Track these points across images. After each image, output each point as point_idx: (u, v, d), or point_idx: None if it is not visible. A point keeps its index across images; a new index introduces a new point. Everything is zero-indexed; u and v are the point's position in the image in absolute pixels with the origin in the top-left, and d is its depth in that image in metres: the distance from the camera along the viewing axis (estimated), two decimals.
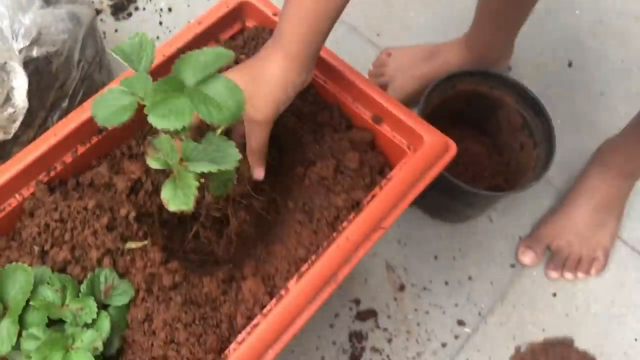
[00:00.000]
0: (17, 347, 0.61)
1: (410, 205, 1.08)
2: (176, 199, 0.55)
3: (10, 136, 0.78)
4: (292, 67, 0.67)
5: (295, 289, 0.66)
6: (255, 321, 0.65)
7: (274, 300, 0.67)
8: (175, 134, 0.56)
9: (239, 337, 0.64)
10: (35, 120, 0.86)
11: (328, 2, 0.64)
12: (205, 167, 0.55)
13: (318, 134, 0.81)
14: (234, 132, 0.73)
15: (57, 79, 0.87)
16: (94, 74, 0.96)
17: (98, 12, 1.17)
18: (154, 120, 0.51)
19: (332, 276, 0.69)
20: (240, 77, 0.65)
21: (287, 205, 0.78)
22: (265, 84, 0.67)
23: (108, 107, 0.54)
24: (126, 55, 0.56)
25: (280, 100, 0.67)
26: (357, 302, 0.99)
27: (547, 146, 0.93)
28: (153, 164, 0.57)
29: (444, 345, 0.98)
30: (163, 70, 0.76)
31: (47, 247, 0.68)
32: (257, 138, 0.69)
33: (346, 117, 0.82)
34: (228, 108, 0.53)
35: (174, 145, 0.56)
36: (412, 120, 0.76)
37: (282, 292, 0.67)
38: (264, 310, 0.66)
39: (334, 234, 0.71)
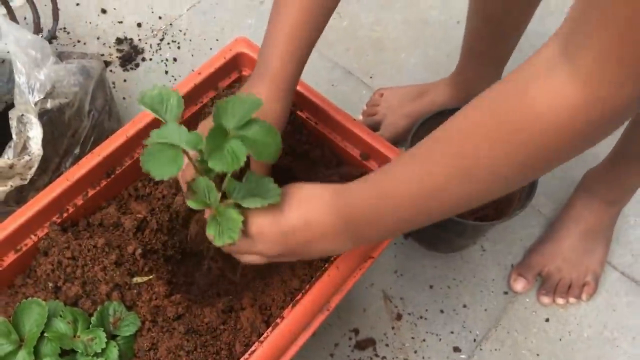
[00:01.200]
0: None
1: (406, 238, 1.13)
2: (222, 234, 0.61)
3: (26, 182, 0.85)
4: (282, 94, 0.69)
5: (290, 317, 0.71)
6: (252, 348, 0.70)
7: (270, 328, 0.72)
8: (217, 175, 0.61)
9: None
10: (50, 166, 0.93)
11: (305, 28, 0.67)
12: (255, 203, 0.60)
13: (311, 171, 0.86)
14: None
15: (69, 128, 0.94)
16: (104, 122, 1.03)
17: (107, 63, 1.25)
18: (214, 164, 0.57)
19: (325, 304, 0.74)
20: None
21: None
22: (262, 115, 0.67)
23: (158, 161, 0.57)
24: (153, 106, 0.61)
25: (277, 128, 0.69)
26: (356, 331, 1.03)
27: None
28: (193, 205, 0.61)
29: None
30: None
31: (60, 283, 0.73)
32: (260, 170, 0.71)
33: (337, 154, 0.87)
34: (271, 147, 0.60)
35: (211, 186, 0.61)
36: (396, 155, 0.82)
37: (278, 320, 0.72)
38: (261, 338, 0.71)
39: (326, 265, 0.76)
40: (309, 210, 0.61)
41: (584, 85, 0.41)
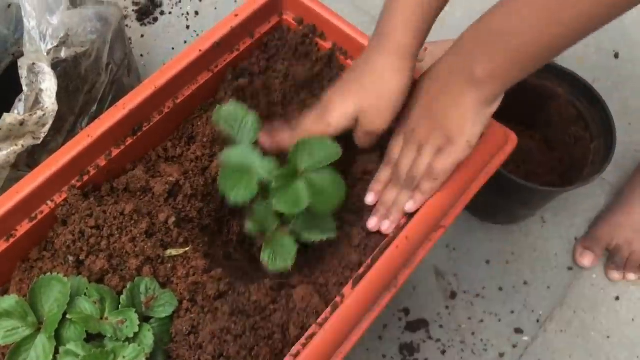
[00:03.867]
0: None
1: None
2: (276, 261, 0.63)
3: (39, 141, 0.74)
4: (406, 66, 0.62)
5: (353, 295, 0.60)
6: (310, 331, 0.60)
7: (329, 309, 0.61)
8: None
9: (294, 349, 0.59)
10: (64, 126, 0.82)
11: None
12: (314, 236, 0.65)
13: None
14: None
15: (86, 82, 0.83)
16: (123, 78, 0.92)
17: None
18: (276, 204, 0.59)
19: (392, 280, 0.63)
20: (354, 92, 0.63)
21: None
22: (381, 95, 0.62)
23: (234, 184, 0.61)
24: (228, 122, 0.64)
25: (396, 108, 0.63)
26: (406, 311, 0.93)
27: (607, 137, 0.87)
28: (251, 227, 0.64)
29: (501, 355, 0.91)
30: (201, 64, 0.73)
31: (82, 257, 0.63)
32: (365, 145, 0.67)
33: None
34: (334, 198, 0.62)
35: (270, 212, 0.63)
36: None
37: (337, 299, 0.61)
38: (319, 319, 0.61)
39: (390, 235, 0.65)
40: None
41: None
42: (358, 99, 0.62)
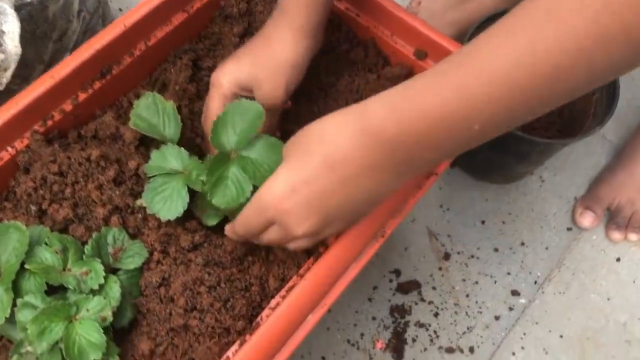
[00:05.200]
0: (11, 318, 0.51)
1: (452, 166, 0.98)
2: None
3: (2, 87, 0.69)
4: (302, 42, 0.59)
5: (337, 245, 0.56)
6: (290, 283, 0.55)
7: (311, 259, 0.57)
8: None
9: (273, 302, 0.54)
10: (32, 75, 0.77)
11: None
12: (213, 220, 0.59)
13: (352, 76, 0.70)
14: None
15: (54, 28, 0.77)
16: (97, 27, 0.87)
17: None
18: (217, 201, 0.54)
19: (379, 229, 0.59)
20: (249, 64, 0.59)
21: None
22: (275, 67, 0.59)
23: (163, 199, 0.57)
24: (149, 121, 0.61)
25: (290, 82, 0.60)
26: (397, 273, 0.89)
27: (609, 87, 0.82)
28: (212, 221, 0.60)
29: (497, 317, 0.87)
30: (175, 4, 0.67)
31: (45, 206, 0.58)
32: (266, 124, 0.60)
33: (384, 54, 0.71)
34: (275, 165, 0.53)
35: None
36: None
37: (321, 249, 0.57)
38: (301, 270, 0.56)
39: None
40: (331, 145, 0.45)
41: None
42: (251, 67, 0.59)
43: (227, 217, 0.60)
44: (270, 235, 0.51)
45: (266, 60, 0.59)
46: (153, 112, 0.62)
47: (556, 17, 0.36)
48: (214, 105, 0.60)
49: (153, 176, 0.58)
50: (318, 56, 0.67)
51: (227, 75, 0.60)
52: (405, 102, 0.42)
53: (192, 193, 0.58)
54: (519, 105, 0.40)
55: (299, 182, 0.46)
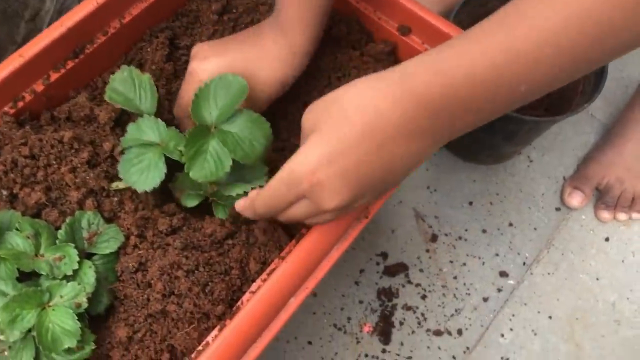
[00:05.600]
0: None
1: (439, 148, 0.96)
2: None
3: None
4: (295, 49, 0.58)
5: (319, 227, 0.54)
6: (272, 266, 0.54)
7: (293, 241, 0.55)
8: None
9: (253, 286, 0.53)
10: (4, 55, 0.74)
11: None
12: (239, 190, 0.56)
13: (334, 54, 0.68)
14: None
15: (26, 7, 0.74)
16: (72, 6, 0.84)
17: None
18: (195, 174, 0.52)
19: (363, 211, 0.57)
20: (241, 58, 0.57)
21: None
22: (266, 67, 0.58)
23: (138, 170, 0.55)
24: (125, 94, 0.59)
25: (285, 82, 0.59)
26: (384, 255, 0.87)
27: None
28: (190, 203, 0.58)
29: (485, 299, 0.86)
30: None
31: (16, 190, 0.56)
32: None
33: (366, 30, 0.69)
34: (260, 143, 0.54)
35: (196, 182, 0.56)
36: (450, 28, 0.64)
37: (303, 230, 0.55)
38: (282, 253, 0.55)
39: None
40: (372, 113, 0.43)
41: None
42: (244, 64, 0.57)
43: (207, 199, 0.59)
44: (297, 211, 0.48)
45: (258, 58, 0.58)
46: (129, 85, 0.60)
47: None
48: (190, 95, 0.58)
49: (128, 147, 0.56)
50: None
51: (209, 70, 0.58)
52: (448, 63, 0.41)
53: (170, 173, 0.57)
54: (567, 64, 0.39)
55: (335, 152, 0.43)
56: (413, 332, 0.83)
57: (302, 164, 0.44)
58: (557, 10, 0.37)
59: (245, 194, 0.55)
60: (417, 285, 0.86)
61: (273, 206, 0.48)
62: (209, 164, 0.52)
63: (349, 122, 0.43)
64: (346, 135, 0.43)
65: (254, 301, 0.51)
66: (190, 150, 0.52)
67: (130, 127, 0.57)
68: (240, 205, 0.52)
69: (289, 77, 0.59)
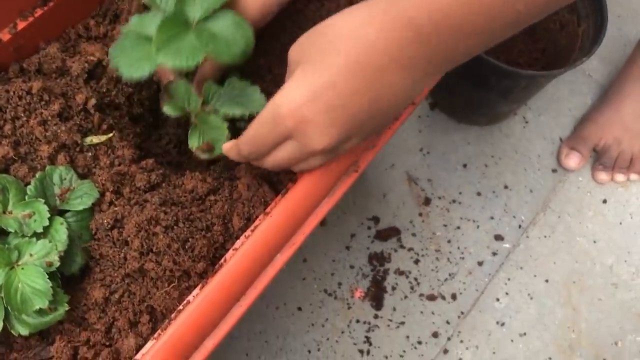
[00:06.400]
0: None
1: (432, 109, 0.93)
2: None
3: None
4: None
5: (306, 179, 0.51)
6: (256, 222, 0.51)
7: (279, 196, 0.52)
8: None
9: (237, 243, 0.50)
10: None
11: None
12: (234, 110, 0.52)
13: (318, 1, 0.65)
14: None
15: None
16: None
17: None
18: (164, 58, 0.48)
19: (352, 163, 0.54)
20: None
21: None
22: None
23: (129, 57, 0.51)
24: None
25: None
26: (375, 220, 0.85)
27: (596, 17, 0.77)
28: (170, 110, 0.53)
29: (480, 263, 0.83)
30: None
31: None
32: None
33: None
34: (237, 45, 0.51)
35: (191, 90, 0.53)
36: None
37: (289, 185, 0.52)
38: (268, 209, 0.52)
39: None
40: (357, 41, 0.40)
41: None
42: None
43: (187, 123, 0.55)
44: (283, 153, 0.45)
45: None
46: None
47: None
48: None
49: (125, 36, 0.52)
50: None
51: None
52: None
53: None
54: None
55: (321, 85, 0.40)
56: (406, 297, 0.81)
57: (286, 100, 0.41)
58: None
59: (236, 119, 0.52)
60: (410, 249, 0.83)
61: (257, 145, 0.45)
62: (181, 51, 0.49)
63: (334, 52, 0.39)
64: (332, 67, 0.39)
65: (238, 257, 0.48)
66: (164, 35, 0.49)
67: (134, 19, 0.53)
68: (226, 146, 0.49)
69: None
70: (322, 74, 0.40)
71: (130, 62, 0.50)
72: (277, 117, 0.42)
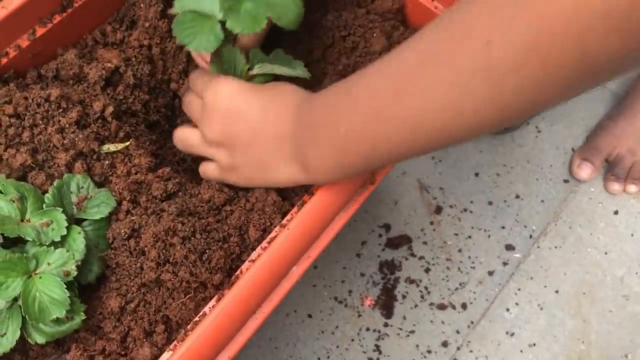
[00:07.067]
0: None
1: None
2: None
3: None
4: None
5: (323, 193, 0.51)
6: (273, 234, 0.51)
7: (295, 208, 0.52)
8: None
9: (254, 254, 0.50)
10: None
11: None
12: (282, 69, 0.55)
13: (336, 11, 0.64)
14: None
15: None
16: None
17: None
18: (232, 25, 0.50)
19: (369, 176, 0.54)
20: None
21: None
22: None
23: (193, 31, 0.52)
24: None
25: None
26: (387, 227, 0.84)
27: None
28: (215, 69, 0.55)
29: (490, 273, 0.83)
30: None
31: (0, 151, 0.53)
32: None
33: None
34: (292, 11, 0.54)
35: (239, 56, 0.55)
36: None
37: (305, 197, 0.52)
38: (284, 220, 0.52)
39: None
40: (275, 100, 0.51)
41: None
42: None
43: None
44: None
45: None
46: None
47: None
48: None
49: (182, 14, 0.53)
50: None
51: None
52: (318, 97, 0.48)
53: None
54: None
55: (242, 95, 0.52)
56: (416, 305, 0.81)
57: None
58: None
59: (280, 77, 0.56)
60: (421, 258, 0.83)
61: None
62: (245, 17, 0.51)
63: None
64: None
65: (254, 269, 0.48)
66: (226, 4, 0.51)
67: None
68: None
69: None
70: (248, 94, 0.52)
71: (196, 38, 0.52)
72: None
